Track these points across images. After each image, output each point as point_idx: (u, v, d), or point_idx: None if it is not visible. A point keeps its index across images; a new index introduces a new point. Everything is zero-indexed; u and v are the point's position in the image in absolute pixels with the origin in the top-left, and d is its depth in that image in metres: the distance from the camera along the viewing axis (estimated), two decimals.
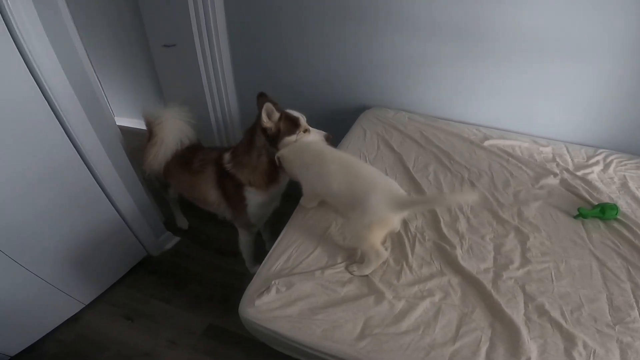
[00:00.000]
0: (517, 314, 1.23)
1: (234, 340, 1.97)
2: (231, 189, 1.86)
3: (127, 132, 2.36)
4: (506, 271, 1.39)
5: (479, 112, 2.44)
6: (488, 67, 2.24)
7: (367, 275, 1.36)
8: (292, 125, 1.66)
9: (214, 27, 2.60)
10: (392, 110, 2.59)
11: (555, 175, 1.94)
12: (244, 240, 2.12)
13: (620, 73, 2.00)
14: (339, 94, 2.77)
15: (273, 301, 1.26)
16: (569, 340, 1.15)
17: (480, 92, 2.36)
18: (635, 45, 1.90)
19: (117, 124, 2.21)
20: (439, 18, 2.17)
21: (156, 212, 2.52)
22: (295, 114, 1.70)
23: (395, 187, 1.40)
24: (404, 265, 1.41)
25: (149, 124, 2.14)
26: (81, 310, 2.11)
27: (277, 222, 1.94)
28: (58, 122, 1.65)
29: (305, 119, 1.72)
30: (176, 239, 2.63)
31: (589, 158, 2.12)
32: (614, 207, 1.63)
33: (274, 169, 1.76)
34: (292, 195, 1.77)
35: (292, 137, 1.66)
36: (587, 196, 1.78)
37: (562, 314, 1.24)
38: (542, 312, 1.24)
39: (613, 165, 2.05)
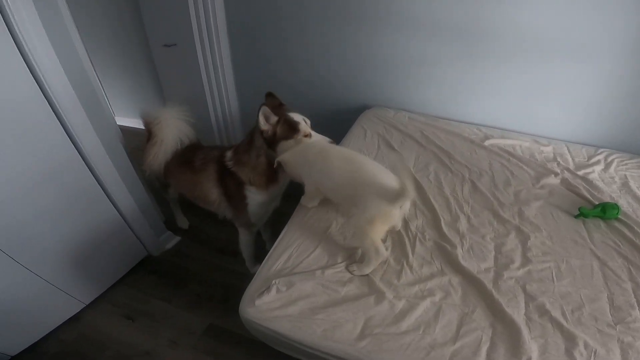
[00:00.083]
0: (517, 314, 1.22)
1: (234, 340, 1.97)
2: (232, 188, 1.86)
3: (127, 132, 2.36)
4: (507, 271, 1.39)
5: (479, 112, 2.44)
6: (488, 67, 2.24)
7: (367, 275, 1.36)
8: (290, 129, 1.64)
9: (214, 26, 2.61)
10: (393, 109, 2.58)
11: (556, 174, 1.94)
12: (244, 240, 2.12)
13: (620, 72, 1.99)
14: (339, 94, 2.77)
15: (273, 301, 1.25)
16: (570, 340, 1.15)
17: (480, 92, 2.36)
18: (635, 44, 1.89)
19: (117, 123, 2.21)
20: (439, 18, 2.17)
21: (157, 211, 2.52)
22: (297, 118, 1.67)
23: (392, 180, 1.38)
24: (405, 264, 1.41)
25: (147, 124, 2.13)
26: (82, 310, 2.12)
27: (277, 222, 1.94)
28: (58, 122, 1.65)
29: (308, 123, 1.70)
30: (177, 239, 2.63)
31: (589, 157, 2.12)
32: (615, 207, 1.63)
33: (273, 170, 1.76)
34: (292, 195, 1.77)
35: (290, 142, 1.64)
36: (588, 196, 1.78)
37: (563, 314, 1.23)
38: (543, 311, 1.24)
39: (614, 164, 2.05)
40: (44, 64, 1.51)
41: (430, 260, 1.43)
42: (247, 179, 1.79)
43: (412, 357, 1.11)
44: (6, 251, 1.62)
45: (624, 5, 1.82)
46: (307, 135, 1.66)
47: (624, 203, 1.74)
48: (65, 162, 1.75)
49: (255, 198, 1.84)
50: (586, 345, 1.13)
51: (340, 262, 1.41)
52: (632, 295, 1.30)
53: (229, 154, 1.86)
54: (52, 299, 1.93)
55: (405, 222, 1.58)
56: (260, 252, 1.81)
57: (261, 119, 1.62)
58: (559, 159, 2.09)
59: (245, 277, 1.41)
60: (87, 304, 2.13)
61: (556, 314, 1.23)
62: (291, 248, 1.46)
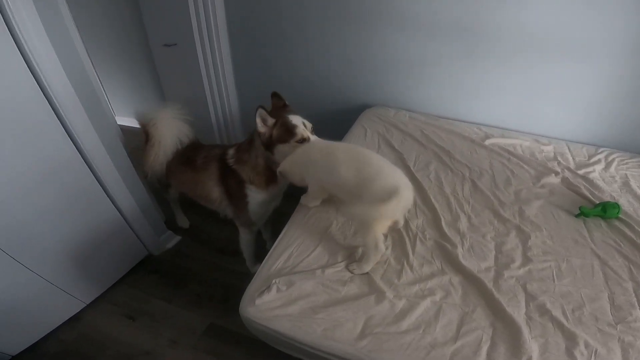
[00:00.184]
0: (518, 313, 1.22)
1: (235, 340, 1.97)
2: (233, 186, 1.86)
3: (128, 132, 2.36)
4: (507, 270, 1.39)
5: (480, 111, 2.44)
6: (489, 66, 2.24)
7: (367, 274, 1.36)
8: (287, 133, 1.62)
9: (214, 26, 2.61)
10: (393, 109, 2.58)
11: (556, 173, 1.94)
12: (245, 240, 2.12)
13: (621, 72, 1.99)
14: (339, 93, 2.77)
15: (273, 300, 1.25)
16: (571, 339, 1.15)
17: (481, 91, 2.36)
18: (635, 44, 1.89)
19: (118, 123, 2.21)
20: (440, 18, 2.17)
21: (157, 211, 2.52)
22: (296, 121, 1.64)
23: (400, 175, 1.40)
24: (405, 264, 1.41)
25: (143, 126, 2.13)
26: (82, 310, 2.11)
27: (277, 221, 1.94)
28: (58, 122, 1.65)
29: (309, 126, 1.68)
30: (177, 239, 2.63)
31: (590, 157, 2.12)
32: (615, 206, 1.63)
33: (272, 172, 1.76)
34: (292, 195, 1.77)
35: (286, 146, 1.62)
36: (588, 195, 1.78)
37: (564, 313, 1.23)
38: (544, 311, 1.24)
39: (614, 163, 2.05)
40: (44, 63, 1.50)
41: (430, 259, 1.43)
42: (247, 178, 1.80)
43: (412, 356, 1.11)
44: (6, 251, 1.61)
45: (624, 5, 1.82)
46: (306, 139, 1.62)
47: (625, 202, 1.74)
48: (65, 161, 1.75)
49: (256, 197, 1.84)
50: (587, 345, 1.13)
51: (341, 262, 1.41)
52: (633, 295, 1.30)
53: (231, 151, 1.87)
54: (52, 299, 1.93)
55: (406, 222, 1.58)
56: (261, 252, 1.81)
57: (258, 121, 1.61)
58: (559, 158, 2.09)
59: (246, 277, 1.41)
60: (87, 303, 2.13)
61: (557, 313, 1.23)
62: (291, 247, 1.46)
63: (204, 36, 2.63)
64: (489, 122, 2.43)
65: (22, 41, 1.41)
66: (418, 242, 1.50)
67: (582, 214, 1.64)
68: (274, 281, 1.29)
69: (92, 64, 1.97)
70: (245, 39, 2.77)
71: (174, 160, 2.09)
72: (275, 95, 1.82)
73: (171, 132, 2.07)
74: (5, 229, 1.60)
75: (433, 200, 1.72)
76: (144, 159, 2.11)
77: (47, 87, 1.55)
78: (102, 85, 2.19)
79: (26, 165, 1.60)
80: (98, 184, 1.93)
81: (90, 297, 2.14)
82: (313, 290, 1.29)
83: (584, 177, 1.92)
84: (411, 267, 1.40)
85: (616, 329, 1.19)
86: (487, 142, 2.21)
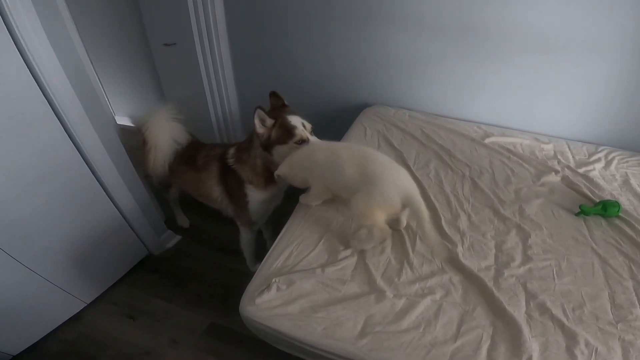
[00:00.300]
0: (518, 312, 1.22)
1: (235, 339, 1.96)
2: (233, 185, 1.87)
3: (128, 131, 2.36)
4: (507, 269, 1.39)
5: (480, 110, 2.44)
6: (491, 66, 2.24)
7: (367, 273, 1.36)
8: (286, 134, 1.61)
9: (213, 25, 2.61)
10: (393, 108, 2.58)
11: (556, 172, 1.94)
12: (245, 239, 2.12)
13: (621, 70, 1.99)
14: (339, 92, 2.77)
15: (274, 299, 1.26)
16: (571, 338, 1.15)
17: (481, 90, 2.35)
18: (635, 43, 1.89)
19: (118, 122, 2.21)
20: (442, 18, 2.17)
21: (157, 210, 2.52)
22: (295, 121, 1.63)
23: (407, 176, 1.42)
24: (405, 263, 1.41)
25: (139, 130, 2.13)
26: (83, 309, 2.11)
27: (278, 221, 1.93)
28: (57, 120, 1.65)
29: (308, 127, 1.67)
30: (177, 238, 2.62)
31: (590, 155, 2.11)
32: (615, 204, 1.63)
33: (270, 172, 1.75)
34: (293, 195, 1.77)
35: (285, 147, 1.62)
36: (588, 193, 1.77)
37: (564, 312, 1.23)
38: (544, 310, 1.24)
39: (615, 162, 2.04)
40: (42, 62, 1.50)
41: (430, 258, 1.43)
42: (247, 178, 1.79)
43: (412, 355, 1.11)
44: (6, 250, 1.61)
45: (624, 5, 1.82)
46: (305, 141, 1.62)
47: (625, 201, 1.74)
48: (64, 160, 1.74)
49: (256, 196, 1.84)
50: (587, 344, 1.13)
51: (341, 260, 1.40)
52: (633, 294, 1.30)
53: (231, 151, 1.87)
54: (52, 298, 1.92)
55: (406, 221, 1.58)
56: (261, 251, 1.81)
57: (256, 122, 1.60)
58: (559, 157, 2.09)
59: (246, 276, 1.40)
60: (87, 303, 2.12)
61: (557, 312, 1.23)
62: (291, 246, 1.46)
63: (204, 35, 2.63)
64: (489, 121, 2.43)
65: (21, 40, 1.41)
66: (418, 241, 1.50)
67: (582, 212, 1.64)
68: (274, 280, 1.29)
69: (92, 63, 1.97)
70: (245, 38, 2.77)
71: (175, 159, 2.09)
72: (273, 94, 1.81)
73: (165, 135, 2.06)
74: (4, 228, 1.60)
75: (433, 198, 1.72)
76: (146, 163, 2.11)
77: (46, 85, 1.54)
78: (101, 85, 2.19)
79: (25, 164, 1.60)
80: (97, 183, 1.93)
81: (90, 297, 2.14)
82: (313, 289, 1.29)
83: (584, 176, 1.92)
84: (411, 266, 1.40)
85: (617, 327, 1.19)
86: (487, 140, 2.21)
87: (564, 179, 1.90)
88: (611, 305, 1.27)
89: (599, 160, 2.06)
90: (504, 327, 1.18)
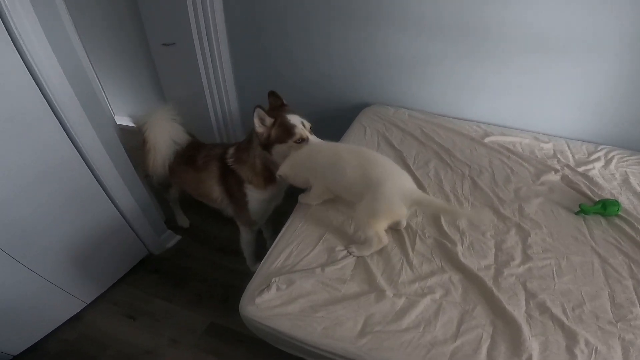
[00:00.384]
0: (518, 311, 1.22)
1: (235, 339, 1.97)
2: (233, 185, 1.87)
3: (127, 131, 2.36)
4: (507, 268, 1.39)
5: (479, 109, 2.43)
6: (489, 65, 2.23)
7: (367, 273, 1.36)
8: (286, 133, 1.61)
9: (213, 25, 2.60)
10: (392, 107, 2.58)
11: (556, 171, 1.93)
12: (245, 238, 2.12)
13: (620, 69, 1.99)
14: (339, 92, 2.76)
15: (273, 299, 1.25)
16: (571, 337, 1.15)
17: (481, 90, 2.35)
18: (635, 41, 1.89)
19: (117, 122, 2.21)
20: (442, 18, 2.16)
21: (157, 210, 2.52)
22: (295, 120, 1.63)
23: (408, 179, 1.42)
24: (405, 262, 1.41)
25: (139, 130, 2.13)
26: (83, 309, 2.12)
27: (278, 220, 1.93)
28: (56, 120, 1.65)
29: (308, 126, 1.67)
30: (177, 238, 2.63)
31: (590, 154, 2.11)
32: (615, 203, 1.63)
33: (270, 172, 1.76)
34: (293, 195, 1.77)
35: (284, 146, 1.61)
36: (588, 192, 1.77)
37: (564, 311, 1.23)
38: (544, 309, 1.24)
39: (614, 161, 2.04)
40: (41, 62, 1.50)
41: (430, 257, 1.43)
42: (246, 178, 1.79)
43: (412, 354, 1.11)
44: (5, 249, 1.61)
45: (623, 4, 1.82)
46: (305, 140, 1.62)
47: (625, 200, 1.73)
48: (63, 160, 1.74)
49: (255, 196, 1.84)
50: (587, 343, 1.13)
51: (340, 259, 1.40)
52: (633, 293, 1.30)
53: (230, 151, 1.87)
54: (52, 298, 1.93)
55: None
56: (261, 251, 1.81)
57: (256, 122, 1.60)
58: (559, 156, 2.08)
59: (246, 276, 1.41)
60: (87, 303, 2.13)
61: (557, 311, 1.23)
62: (291, 246, 1.46)
63: (203, 35, 2.63)
64: (489, 120, 2.43)
65: (20, 41, 1.41)
66: (418, 240, 1.50)
67: (582, 211, 1.64)
68: (273, 280, 1.29)
69: (91, 63, 1.97)
70: (244, 38, 2.76)
71: (175, 160, 2.09)
72: (272, 94, 1.81)
73: (165, 135, 2.06)
74: (4, 228, 1.60)
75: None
76: (146, 163, 2.11)
77: (45, 85, 1.54)
78: (101, 85, 2.19)
79: (24, 164, 1.60)
80: (97, 183, 1.93)
81: (90, 297, 2.14)
82: (313, 289, 1.29)
83: (584, 175, 1.91)
84: (411, 265, 1.40)
85: (616, 327, 1.19)
86: (487, 139, 2.21)
87: (564, 178, 1.90)
88: (611, 304, 1.26)
89: (598, 159, 2.06)
90: (503, 326, 1.18)
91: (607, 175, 1.94)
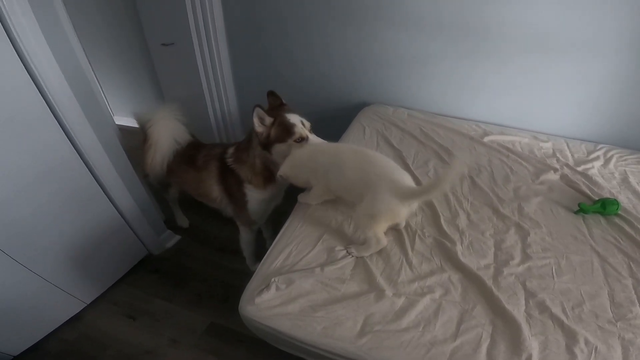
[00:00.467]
0: (518, 311, 1.22)
1: (236, 339, 1.97)
2: (233, 185, 1.87)
3: (127, 132, 2.36)
4: (507, 267, 1.39)
5: (479, 109, 2.43)
6: (488, 65, 2.23)
7: (367, 272, 1.36)
8: (285, 132, 1.60)
9: (212, 25, 2.60)
10: (392, 106, 2.58)
11: (555, 170, 1.94)
12: (245, 238, 2.12)
13: (619, 69, 1.99)
14: (338, 91, 2.76)
15: (273, 299, 1.26)
16: (571, 336, 1.15)
17: (481, 89, 2.35)
18: (633, 41, 1.89)
19: (117, 123, 2.21)
20: (441, 16, 2.16)
21: (157, 210, 2.52)
22: (294, 119, 1.63)
23: (409, 179, 1.41)
24: (404, 261, 1.41)
25: (141, 126, 2.13)
26: (83, 309, 2.11)
27: (277, 220, 1.93)
28: (55, 120, 1.64)
29: (307, 125, 1.66)
30: (177, 238, 2.62)
31: (589, 153, 2.11)
32: (614, 202, 1.63)
33: (270, 171, 1.75)
34: (293, 194, 1.77)
35: (284, 145, 1.61)
36: (587, 191, 1.77)
37: (564, 311, 1.23)
38: (543, 308, 1.24)
39: (613, 160, 2.04)
40: (40, 63, 1.49)
41: (429, 257, 1.43)
42: (245, 177, 1.79)
43: (412, 354, 1.11)
44: (5, 250, 1.61)
45: (622, 3, 1.82)
46: (304, 139, 1.62)
47: (624, 199, 1.74)
48: (63, 160, 1.74)
49: (255, 196, 1.84)
50: (587, 342, 1.13)
51: (340, 259, 1.40)
52: (633, 292, 1.30)
53: (230, 150, 1.86)
54: (52, 299, 1.93)
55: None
56: (261, 251, 1.81)
57: (255, 121, 1.59)
58: (558, 155, 2.09)
59: (246, 276, 1.41)
60: (87, 303, 2.13)
61: (556, 310, 1.23)
62: (290, 246, 1.46)
63: (202, 35, 2.63)
64: (488, 119, 2.43)
65: (18, 41, 1.40)
66: (417, 240, 1.50)
67: (581, 210, 1.64)
68: (273, 280, 1.29)
69: (90, 63, 1.97)
70: (244, 37, 2.76)
71: (175, 159, 2.09)
72: (271, 94, 1.81)
73: (167, 133, 2.06)
74: (3, 228, 1.60)
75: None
76: (144, 160, 2.11)
77: (44, 86, 1.54)
78: (100, 85, 2.19)
79: (23, 164, 1.60)
80: (96, 183, 1.92)
81: (90, 297, 2.14)
82: (312, 289, 1.29)
83: (583, 174, 1.92)
84: (410, 264, 1.40)
85: (616, 326, 1.19)
86: (486, 139, 2.21)
87: (563, 177, 1.90)
88: (610, 303, 1.27)
89: (597, 158, 2.06)
90: (503, 325, 1.19)
91: (607, 174, 1.94)
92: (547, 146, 2.17)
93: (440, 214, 1.62)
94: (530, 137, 2.24)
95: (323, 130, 1.73)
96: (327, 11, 2.40)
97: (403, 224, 1.53)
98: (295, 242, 1.47)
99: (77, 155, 1.79)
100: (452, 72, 2.35)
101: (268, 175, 1.77)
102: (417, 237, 1.51)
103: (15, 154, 1.55)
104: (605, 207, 1.62)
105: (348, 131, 2.29)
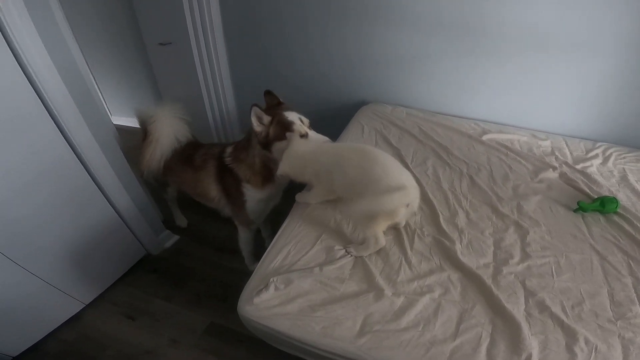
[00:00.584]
0: (517, 310, 1.22)
1: (236, 339, 1.96)
2: (231, 185, 1.86)
3: (125, 131, 2.35)
4: (506, 266, 1.38)
5: (477, 107, 2.43)
6: (488, 64, 2.23)
7: (366, 272, 1.36)
8: (284, 130, 1.59)
9: (209, 24, 2.59)
10: (390, 105, 2.58)
11: (554, 168, 1.93)
12: (244, 238, 2.11)
13: (617, 67, 1.99)
14: (337, 90, 2.76)
15: (272, 299, 1.25)
16: (570, 336, 1.15)
17: (479, 88, 2.35)
18: (632, 40, 1.89)
19: (114, 123, 2.21)
20: (441, 15, 2.16)
21: (155, 210, 2.51)
22: (292, 117, 1.62)
23: (409, 178, 1.41)
24: (403, 261, 1.40)
25: (142, 123, 2.12)
26: (82, 310, 2.11)
27: (277, 220, 1.93)
28: (51, 119, 1.63)
29: (306, 122, 1.66)
30: (175, 238, 2.62)
31: (588, 151, 2.11)
32: (613, 201, 1.63)
33: (269, 171, 1.75)
34: (291, 193, 1.76)
35: (284, 143, 1.60)
36: (586, 189, 1.77)
37: (563, 310, 1.23)
38: (543, 307, 1.24)
39: (612, 158, 2.04)
40: (35, 62, 1.49)
41: (429, 256, 1.43)
42: (244, 177, 1.79)
43: (412, 354, 1.11)
44: (2, 251, 1.61)
45: (621, 3, 1.82)
46: (304, 136, 1.61)
47: (623, 197, 1.74)
48: (58, 159, 1.73)
49: (253, 196, 1.83)
50: (587, 341, 1.13)
51: (339, 259, 1.40)
52: (633, 291, 1.30)
53: (228, 150, 1.86)
54: (51, 299, 1.92)
55: None
56: (260, 250, 1.81)
57: (254, 120, 1.59)
58: (557, 153, 2.08)
59: (245, 275, 1.40)
60: (86, 303, 2.12)
61: (556, 309, 1.23)
62: (289, 245, 1.46)
63: (199, 34, 2.62)
64: (487, 118, 2.43)
65: (13, 40, 1.39)
66: (416, 239, 1.50)
67: (580, 208, 1.64)
68: (271, 280, 1.29)
69: (87, 63, 1.96)
70: (241, 36, 2.75)
71: (173, 158, 2.08)
72: (268, 93, 1.80)
73: (170, 130, 2.06)
74: (0, 229, 1.59)
75: (431, 196, 1.72)
76: (141, 156, 2.09)
77: (39, 84, 1.53)
78: (97, 85, 2.18)
79: (19, 164, 1.59)
80: (93, 183, 1.92)
81: (89, 297, 2.13)
82: (311, 288, 1.29)
83: (582, 172, 1.91)
84: (410, 264, 1.39)
85: (616, 325, 1.19)
86: (485, 137, 2.20)
87: (562, 175, 1.90)
88: (610, 302, 1.27)
89: (596, 156, 2.06)
90: (503, 325, 1.18)
91: (605, 172, 1.94)
92: (546, 144, 2.17)
93: (440, 213, 1.62)
94: (529, 136, 2.24)
95: (322, 129, 1.72)
96: (326, 10, 2.39)
97: (403, 223, 1.52)
98: (293, 242, 1.47)
99: (74, 155, 1.79)
100: (451, 70, 2.34)
101: (267, 174, 1.77)
102: (416, 236, 1.51)
103: (11, 154, 1.54)
104: (604, 205, 1.62)
105: (347, 130, 2.29)
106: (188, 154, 2.04)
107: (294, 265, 1.37)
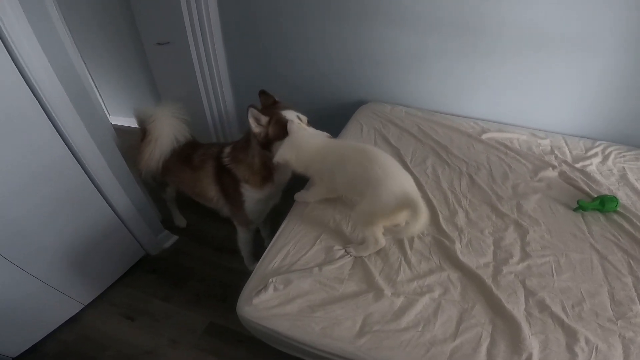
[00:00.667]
0: (517, 310, 1.22)
1: (235, 339, 1.96)
2: (229, 185, 1.85)
3: (123, 131, 2.34)
4: (506, 266, 1.38)
5: (477, 106, 2.43)
6: (488, 63, 2.23)
7: (365, 272, 1.36)
8: (283, 129, 1.57)
9: (207, 23, 2.59)
10: (389, 104, 2.57)
11: (554, 167, 1.93)
12: (243, 238, 2.11)
13: (617, 65, 1.98)
14: (335, 89, 2.75)
15: (271, 299, 1.25)
16: (571, 335, 1.15)
17: (479, 86, 2.35)
18: (631, 38, 1.88)
19: (113, 123, 2.20)
20: (439, 14, 2.15)
21: (154, 210, 2.51)
22: (290, 115, 1.60)
23: (409, 179, 1.39)
24: (403, 261, 1.40)
25: (141, 122, 2.12)
26: (81, 310, 2.11)
27: (276, 220, 1.92)
28: (48, 119, 1.63)
29: (304, 119, 1.65)
30: (174, 238, 2.61)
31: (587, 150, 2.11)
32: (613, 199, 1.63)
33: (268, 170, 1.74)
34: (291, 193, 1.76)
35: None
36: (586, 188, 1.77)
37: (564, 309, 1.23)
38: (543, 307, 1.24)
39: (612, 157, 2.04)
40: (31, 62, 1.48)
41: (428, 255, 1.43)
42: (242, 177, 1.78)
43: (412, 354, 1.11)
44: (0, 252, 1.60)
45: (620, 2, 1.82)
46: None
47: (623, 195, 1.73)
48: (56, 160, 1.72)
49: (252, 196, 1.82)
50: (587, 341, 1.13)
51: (338, 259, 1.40)
52: (633, 290, 1.30)
53: (227, 150, 1.85)
54: (50, 300, 1.91)
55: None
56: (259, 250, 1.80)
57: (251, 122, 1.58)
58: (556, 152, 2.08)
59: (245, 275, 1.40)
60: (86, 304, 2.12)
61: (556, 309, 1.23)
62: (288, 246, 1.45)
63: (197, 34, 2.61)
64: (486, 117, 2.43)
65: (9, 40, 1.38)
66: (416, 239, 1.49)
67: (580, 207, 1.63)
68: (270, 280, 1.29)
69: (85, 63, 1.95)
70: (240, 35, 2.75)
71: (171, 158, 2.07)
72: (263, 93, 1.79)
73: (169, 130, 2.05)
74: None
75: (430, 195, 1.72)
76: (139, 156, 2.09)
77: (35, 84, 1.52)
78: (95, 85, 2.18)
79: (17, 165, 1.58)
80: (91, 183, 1.91)
81: (88, 298, 2.13)
82: (310, 289, 1.28)
83: (582, 171, 1.91)
84: (409, 263, 1.39)
85: (617, 324, 1.19)
86: (484, 136, 2.20)
87: (561, 174, 1.89)
88: (611, 301, 1.26)
89: (596, 155, 2.06)
90: (503, 324, 1.18)
91: (605, 171, 1.93)
92: (545, 143, 2.16)
93: (439, 212, 1.62)
94: (528, 134, 2.23)
95: (321, 128, 1.70)
96: (325, 9, 2.39)
97: (403, 224, 1.52)
98: (293, 242, 1.47)
99: (71, 155, 1.78)
100: (450, 69, 2.34)
101: (265, 174, 1.76)
102: (415, 235, 1.50)
103: (8, 154, 1.54)
104: (604, 204, 1.61)
105: (346, 129, 2.29)
106: (187, 154, 2.04)
107: (293, 266, 1.37)
